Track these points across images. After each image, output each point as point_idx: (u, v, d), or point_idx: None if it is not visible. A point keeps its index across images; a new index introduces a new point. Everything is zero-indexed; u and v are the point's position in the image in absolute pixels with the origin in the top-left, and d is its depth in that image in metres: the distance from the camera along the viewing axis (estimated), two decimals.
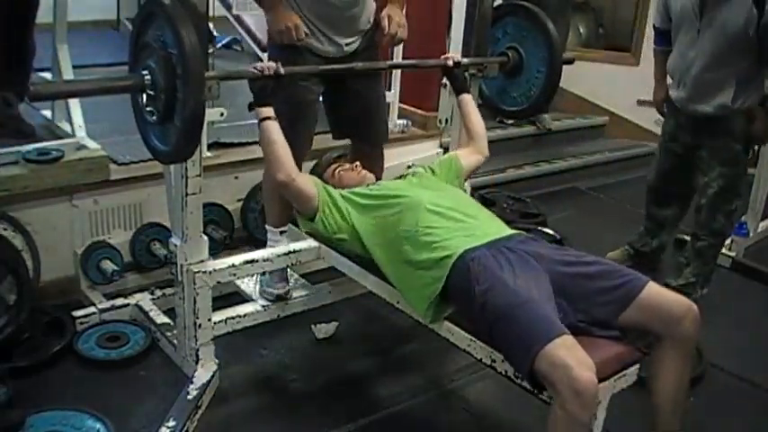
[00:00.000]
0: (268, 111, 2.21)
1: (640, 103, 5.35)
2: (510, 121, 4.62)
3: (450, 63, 2.55)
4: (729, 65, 2.83)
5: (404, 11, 2.56)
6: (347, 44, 2.52)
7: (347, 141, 2.84)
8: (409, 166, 3.60)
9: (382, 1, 2.56)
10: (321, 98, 2.65)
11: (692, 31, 2.87)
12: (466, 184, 2.82)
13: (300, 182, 2.24)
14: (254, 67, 2.18)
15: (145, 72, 1.90)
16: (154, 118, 1.94)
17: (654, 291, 1.89)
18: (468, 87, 2.65)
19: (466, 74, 2.68)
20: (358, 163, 2.51)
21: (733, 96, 2.86)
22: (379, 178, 2.63)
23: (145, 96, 1.94)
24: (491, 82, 2.86)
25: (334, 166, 2.52)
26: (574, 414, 1.59)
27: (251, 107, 2.22)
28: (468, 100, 2.63)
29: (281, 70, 2.18)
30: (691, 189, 3.21)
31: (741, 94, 2.86)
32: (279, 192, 2.55)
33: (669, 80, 3.12)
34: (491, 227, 2.10)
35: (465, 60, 2.60)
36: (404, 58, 3.32)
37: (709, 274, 3.16)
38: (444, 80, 2.84)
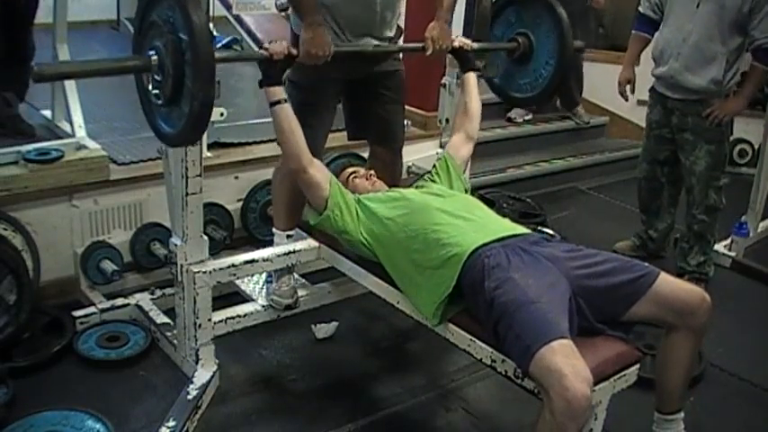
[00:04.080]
0: (278, 91, 2.13)
1: (640, 103, 5.35)
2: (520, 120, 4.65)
3: (457, 44, 2.50)
4: (722, 41, 2.98)
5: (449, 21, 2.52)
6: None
7: (344, 142, 2.84)
8: (409, 167, 3.62)
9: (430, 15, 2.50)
10: (340, 99, 2.64)
11: (691, 5, 3.01)
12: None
13: (314, 173, 2.20)
14: (264, 48, 2.09)
15: (152, 53, 1.81)
16: (160, 101, 1.86)
17: (667, 282, 1.91)
18: (475, 66, 2.60)
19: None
20: (373, 172, 2.49)
21: (724, 71, 3.01)
22: (396, 185, 2.59)
23: (151, 78, 1.85)
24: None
25: (348, 172, 2.50)
26: (561, 423, 1.57)
27: (261, 84, 2.15)
28: (472, 78, 2.59)
29: (294, 51, 2.10)
30: (680, 174, 3.34)
31: (729, 70, 3.03)
32: (288, 193, 2.55)
33: (653, 64, 3.24)
34: (501, 225, 2.09)
35: (475, 45, 2.55)
36: (404, 57, 3.31)
37: (710, 257, 3.34)
38: (444, 80, 2.83)
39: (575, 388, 1.55)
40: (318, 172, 2.22)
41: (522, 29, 2.68)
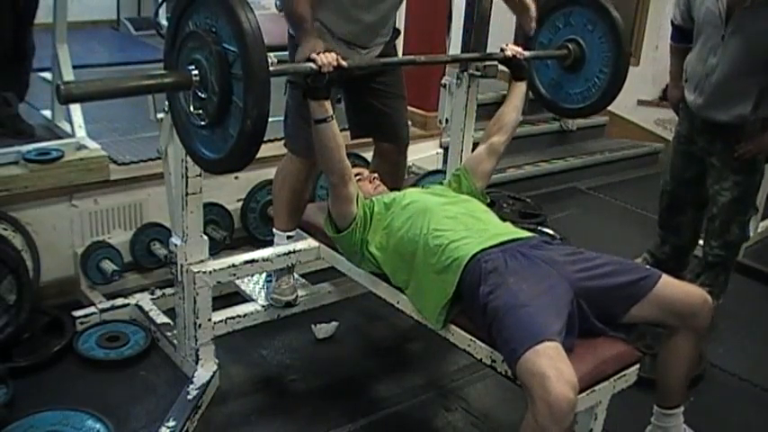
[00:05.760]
0: (326, 107, 1.98)
1: (640, 103, 5.36)
2: None
3: (510, 54, 2.38)
4: (753, 75, 2.69)
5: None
6: (367, 53, 2.48)
7: (347, 141, 2.83)
8: (409, 167, 3.62)
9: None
10: (339, 98, 2.63)
11: (716, 36, 2.70)
12: None
13: (352, 189, 2.13)
14: (312, 60, 1.90)
15: (192, 68, 1.64)
16: (202, 122, 1.69)
17: (668, 285, 1.91)
18: (526, 75, 2.48)
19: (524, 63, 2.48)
20: (376, 175, 2.47)
21: (752, 107, 2.72)
22: (398, 186, 2.57)
23: (190, 96, 1.68)
24: (545, 74, 2.66)
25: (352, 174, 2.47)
26: (543, 426, 1.56)
27: (304, 97, 1.99)
28: (522, 87, 2.45)
29: (344, 63, 1.94)
30: (707, 195, 3.02)
31: (761, 103, 2.73)
32: (290, 194, 2.54)
33: (684, 80, 2.97)
34: (502, 229, 2.08)
35: (527, 54, 2.44)
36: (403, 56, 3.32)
37: (723, 286, 3.00)
38: (444, 80, 2.83)
39: (557, 391, 1.54)
40: (354, 187, 2.15)
41: (571, 35, 2.53)
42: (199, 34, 1.62)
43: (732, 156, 2.80)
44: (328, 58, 1.90)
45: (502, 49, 2.39)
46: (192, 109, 1.69)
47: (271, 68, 1.60)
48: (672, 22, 3.03)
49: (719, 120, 2.79)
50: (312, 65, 1.89)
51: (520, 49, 2.41)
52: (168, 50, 1.74)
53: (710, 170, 2.91)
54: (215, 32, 1.59)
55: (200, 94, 1.65)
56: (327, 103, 1.98)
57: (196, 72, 1.63)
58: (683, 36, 2.97)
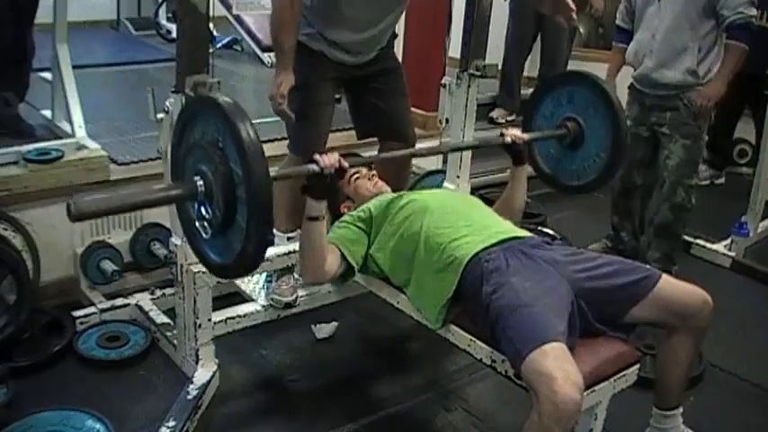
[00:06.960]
0: (321, 207, 1.97)
1: None
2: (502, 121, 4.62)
3: (509, 140, 2.31)
4: (692, 27, 2.95)
5: None
6: (364, 57, 2.52)
7: (344, 141, 2.84)
8: None
9: None
10: (339, 98, 2.65)
11: (655, 1, 3.03)
12: (466, 184, 2.81)
13: (331, 269, 2.09)
14: (315, 162, 1.89)
15: (197, 178, 1.63)
16: (206, 235, 1.69)
17: (669, 285, 1.91)
18: (526, 159, 2.41)
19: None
20: (374, 172, 2.46)
21: (698, 61, 2.97)
22: (402, 187, 2.57)
23: (196, 206, 1.69)
24: (545, 149, 2.60)
25: (350, 173, 2.42)
26: (548, 426, 1.56)
27: (303, 191, 1.97)
28: (524, 173, 2.40)
29: (346, 164, 1.92)
30: (656, 177, 3.27)
31: (704, 59, 2.98)
32: (289, 196, 2.52)
33: (631, 69, 3.22)
34: (503, 227, 2.08)
35: (526, 137, 2.37)
36: (404, 57, 3.32)
37: (674, 252, 3.26)
38: (444, 80, 2.83)
39: (564, 392, 1.55)
40: (333, 267, 2.09)
41: (572, 113, 2.48)
42: (203, 147, 1.62)
43: (681, 121, 3.06)
44: (330, 160, 1.89)
45: (501, 134, 2.34)
46: (197, 222, 1.70)
47: (272, 174, 1.59)
48: (616, 25, 3.34)
49: (672, 79, 3.03)
50: (314, 166, 1.89)
51: (518, 133, 2.36)
52: (173, 160, 1.78)
53: (661, 140, 3.17)
54: (222, 149, 1.58)
55: (204, 212, 1.66)
56: (323, 204, 1.97)
57: (201, 183, 1.63)
58: (623, 36, 3.29)
